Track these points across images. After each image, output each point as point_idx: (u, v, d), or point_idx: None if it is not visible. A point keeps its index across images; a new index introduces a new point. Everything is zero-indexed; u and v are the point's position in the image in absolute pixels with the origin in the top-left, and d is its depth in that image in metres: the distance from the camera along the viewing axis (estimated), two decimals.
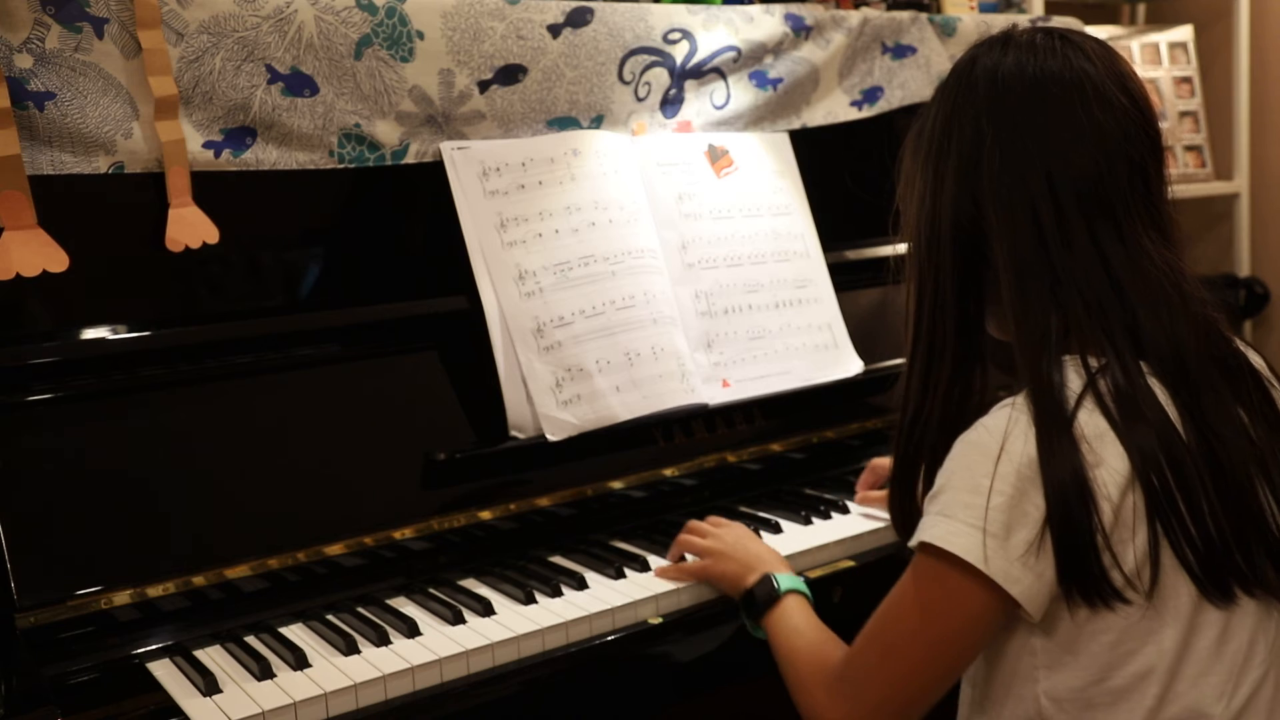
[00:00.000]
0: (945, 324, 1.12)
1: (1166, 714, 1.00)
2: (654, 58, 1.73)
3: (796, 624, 1.23)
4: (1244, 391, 1.05)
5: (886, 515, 1.54)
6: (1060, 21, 2.25)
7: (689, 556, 1.43)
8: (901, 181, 1.18)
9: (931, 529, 1.02)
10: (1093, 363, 1.03)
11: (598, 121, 1.70)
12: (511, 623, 1.29)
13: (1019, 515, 0.98)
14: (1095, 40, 1.09)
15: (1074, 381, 1.02)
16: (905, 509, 1.18)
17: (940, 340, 1.12)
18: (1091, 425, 0.99)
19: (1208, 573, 0.99)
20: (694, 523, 1.46)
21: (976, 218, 1.08)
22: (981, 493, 0.99)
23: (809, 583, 1.43)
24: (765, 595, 1.28)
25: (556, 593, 1.37)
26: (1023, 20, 2.22)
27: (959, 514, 1.00)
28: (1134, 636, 1.00)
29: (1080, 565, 0.98)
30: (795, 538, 1.53)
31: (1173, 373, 1.02)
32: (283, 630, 1.31)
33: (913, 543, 1.05)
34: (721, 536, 1.40)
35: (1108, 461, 0.98)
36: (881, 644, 1.07)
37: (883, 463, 1.63)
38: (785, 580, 1.29)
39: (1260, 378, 1.08)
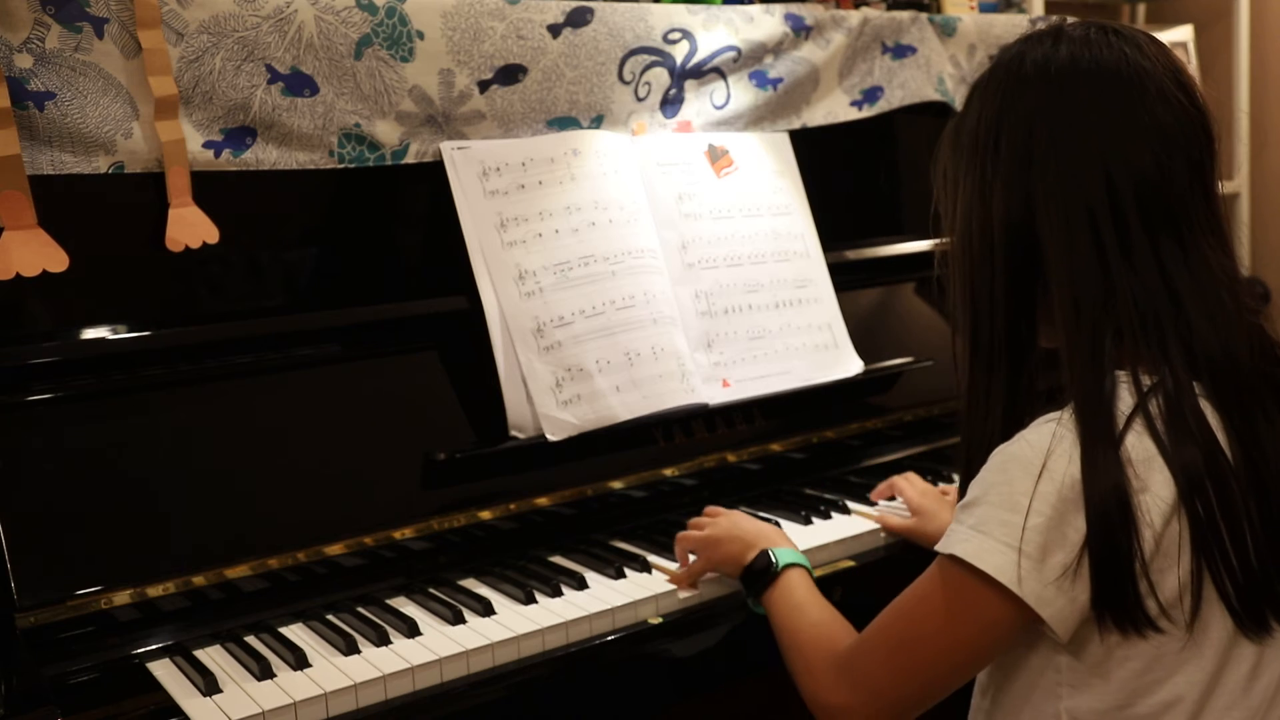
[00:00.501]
0: (999, 338, 1.07)
1: None
2: (654, 58, 1.72)
3: (798, 600, 1.21)
4: None
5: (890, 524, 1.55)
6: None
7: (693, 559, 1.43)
8: (939, 182, 1.12)
9: (964, 543, 0.99)
10: (1145, 380, 0.99)
11: (598, 121, 1.70)
12: (511, 623, 1.29)
13: (1057, 537, 0.95)
14: (1148, 35, 1.04)
15: (1124, 400, 0.98)
16: None
17: (996, 354, 1.07)
18: (1140, 448, 0.96)
19: (1244, 604, 0.97)
20: (692, 520, 1.46)
21: (1029, 223, 1.02)
22: (1019, 511, 0.96)
23: None
24: (763, 571, 1.27)
25: (556, 593, 1.37)
26: (1022, 21, 2.22)
27: (994, 531, 0.97)
28: (1164, 666, 0.98)
29: (1116, 592, 0.95)
30: (795, 538, 1.52)
31: (1225, 389, 0.99)
32: (283, 630, 1.31)
33: (942, 549, 1.02)
34: (717, 523, 1.40)
35: (1153, 488, 0.95)
36: (895, 639, 1.06)
37: (901, 483, 1.59)
38: (784, 555, 1.28)
39: None
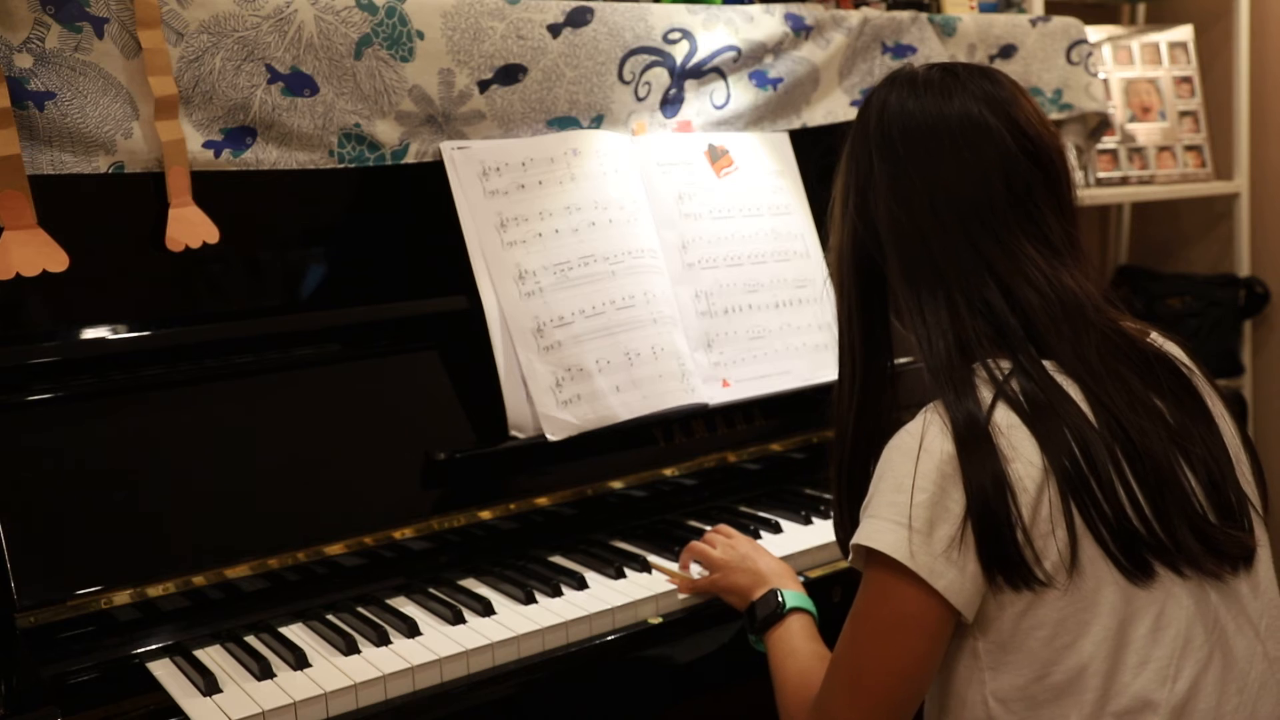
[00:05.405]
0: (857, 345, 1.18)
1: (1115, 707, 1.00)
2: (654, 57, 1.73)
3: (795, 645, 1.24)
4: (1156, 379, 1.08)
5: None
6: (1059, 22, 2.25)
7: (695, 569, 1.42)
8: (831, 202, 1.23)
9: (860, 531, 1.05)
10: (1003, 365, 1.06)
11: (598, 121, 1.70)
12: (511, 622, 1.29)
13: (941, 511, 1.01)
14: (989, 78, 1.14)
15: (984, 389, 1.05)
16: (846, 528, 1.19)
17: (858, 361, 1.18)
18: (1005, 420, 1.02)
19: (1124, 551, 1.01)
20: (707, 534, 1.44)
21: (875, 242, 1.14)
22: (905, 491, 1.02)
23: (809, 583, 1.43)
24: (770, 611, 1.28)
25: (556, 592, 1.37)
26: (1022, 21, 2.22)
27: (885, 512, 1.03)
28: (1068, 630, 1.01)
29: (1002, 554, 1.00)
30: (795, 538, 1.53)
31: (1074, 367, 1.05)
32: (283, 630, 1.31)
33: (849, 543, 1.07)
34: (735, 547, 1.39)
35: (1023, 455, 1.01)
36: (846, 669, 1.08)
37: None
38: (791, 597, 1.29)
39: (1175, 364, 1.11)
